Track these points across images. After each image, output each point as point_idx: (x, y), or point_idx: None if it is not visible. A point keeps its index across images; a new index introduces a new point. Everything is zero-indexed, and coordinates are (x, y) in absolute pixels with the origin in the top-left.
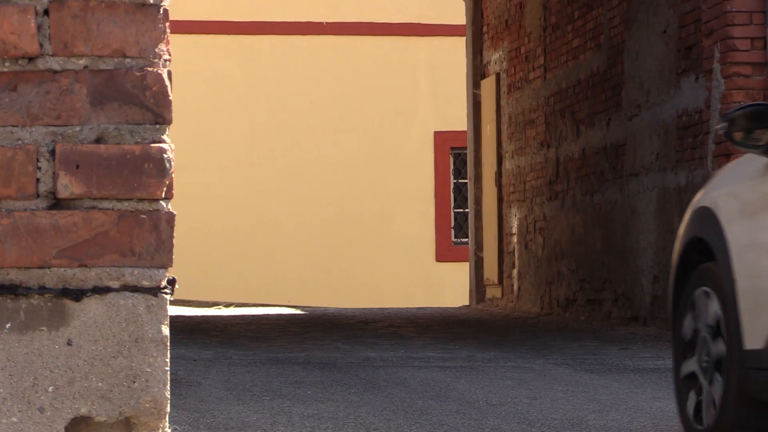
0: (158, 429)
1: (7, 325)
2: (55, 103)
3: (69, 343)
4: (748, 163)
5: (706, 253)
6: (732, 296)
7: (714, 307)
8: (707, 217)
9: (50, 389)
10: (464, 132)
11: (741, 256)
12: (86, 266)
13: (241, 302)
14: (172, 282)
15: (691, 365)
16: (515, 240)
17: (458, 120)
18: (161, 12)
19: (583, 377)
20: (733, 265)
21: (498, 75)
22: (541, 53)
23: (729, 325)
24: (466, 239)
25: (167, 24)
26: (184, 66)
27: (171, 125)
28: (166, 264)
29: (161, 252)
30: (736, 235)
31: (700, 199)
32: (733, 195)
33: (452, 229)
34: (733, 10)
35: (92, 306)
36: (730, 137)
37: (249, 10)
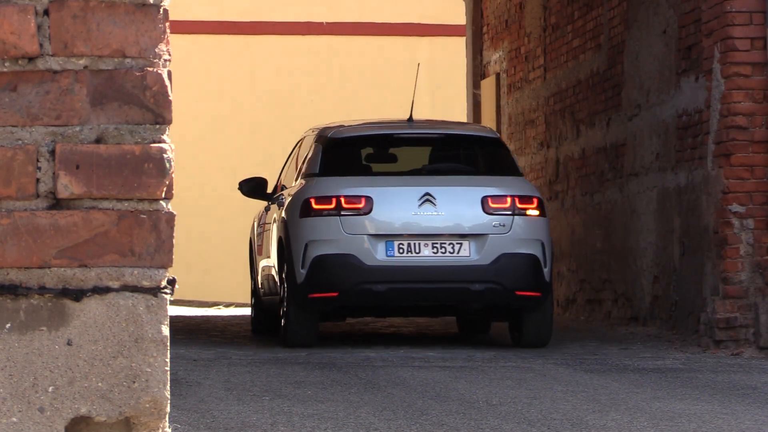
0: (158, 429)
1: (7, 325)
2: (55, 103)
3: (69, 343)
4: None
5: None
6: (256, 267)
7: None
8: (255, 229)
9: (50, 389)
10: None
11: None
12: (86, 266)
13: (241, 302)
14: (172, 282)
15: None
16: None
17: (458, 120)
18: (161, 12)
19: (583, 377)
20: (255, 252)
21: (498, 75)
22: (541, 53)
23: (253, 278)
24: None
25: (167, 24)
26: (184, 66)
27: (171, 125)
28: (166, 264)
29: (161, 252)
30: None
31: (257, 216)
32: (261, 219)
33: None
34: (733, 10)
35: (92, 306)
36: (243, 193)
37: (249, 10)
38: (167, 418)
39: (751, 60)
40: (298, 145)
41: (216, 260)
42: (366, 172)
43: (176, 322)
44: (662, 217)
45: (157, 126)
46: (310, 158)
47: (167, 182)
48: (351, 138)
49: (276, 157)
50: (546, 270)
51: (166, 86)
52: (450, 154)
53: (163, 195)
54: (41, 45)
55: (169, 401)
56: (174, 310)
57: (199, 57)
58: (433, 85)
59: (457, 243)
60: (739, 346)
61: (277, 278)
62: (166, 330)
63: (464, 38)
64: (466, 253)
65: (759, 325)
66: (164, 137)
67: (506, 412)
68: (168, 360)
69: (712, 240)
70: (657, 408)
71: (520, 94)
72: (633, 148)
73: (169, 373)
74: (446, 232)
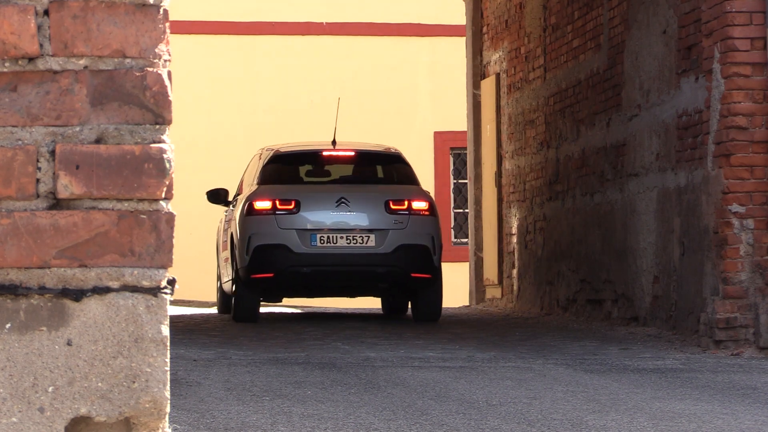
0: (158, 429)
1: (7, 325)
2: (55, 103)
3: (69, 343)
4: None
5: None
6: (219, 259)
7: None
8: (220, 228)
9: (50, 389)
10: (464, 132)
11: (227, 241)
12: (86, 266)
13: None
14: (172, 282)
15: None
16: (515, 240)
17: (458, 120)
18: (161, 12)
19: (583, 377)
20: (219, 244)
21: (498, 75)
22: (541, 53)
23: (218, 268)
24: (466, 239)
25: (167, 24)
26: (184, 66)
27: (171, 125)
28: (166, 264)
29: (161, 252)
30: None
31: (222, 218)
32: (224, 220)
33: (452, 229)
34: (733, 10)
35: (92, 306)
36: (209, 201)
37: (249, 10)
38: (167, 418)
39: (751, 60)
40: (254, 158)
41: (216, 260)
42: (296, 181)
43: (176, 322)
44: (662, 217)
45: (157, 126)
46: (257, 171)
47: (167, 182)
48: (286, 155)
49: None
50: (435, 257)
51: (166, 86)
52: (362, 168)
53: (163, 195)
54: (41, 45)
55: (169, 401)
56: (174, 310)
57: (199, 57)
58: (433, 85)
59: (366, 236)
60: (739, 346)
61: (230, 265)
62: (166, 330)
63: (464, 38)
64: (372, 244)
65: (759, 325)
66: (164, 137)
67: (506, 413)
68: (168, 360)
69: (712, 240)
70: (657, 408)
71: (520, 94)
72: (633, 148)
73: (169, 373)
74: (357, 227)
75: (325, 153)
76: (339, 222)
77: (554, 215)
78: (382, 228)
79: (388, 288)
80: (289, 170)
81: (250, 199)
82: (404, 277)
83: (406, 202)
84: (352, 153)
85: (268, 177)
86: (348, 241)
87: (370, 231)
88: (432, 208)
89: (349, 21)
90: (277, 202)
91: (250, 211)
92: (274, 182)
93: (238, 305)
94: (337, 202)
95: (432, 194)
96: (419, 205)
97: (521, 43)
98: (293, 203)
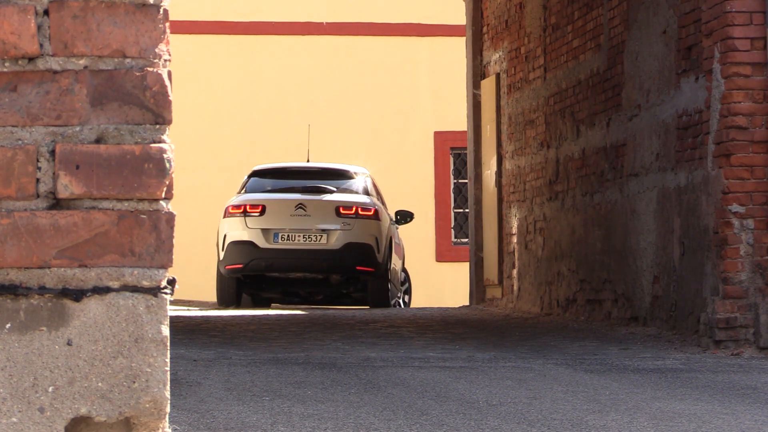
0: (158, 429)
1: (7, 325)
2: (55, 103)
3: (69, 343)
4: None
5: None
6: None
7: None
8: (223, 226)
9: (50, 389)
10: (464, 132)
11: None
12: (86, 266)
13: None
14: (172, 282)
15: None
16: (515, 240)
17: (458, 120)
18: (161, 12)
19: (583, 377)
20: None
21: (498, 75)
22: (541, 53)
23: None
24: (466, 239)
25: (167, 24)
26: (184, 66)
27: (171, 125)
28: (166, 264)
29: (161, 252)
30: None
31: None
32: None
33: (452, 229)
34: (733, 10)
35: (92, 306)
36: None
37: (249, 10)
38: (167, 418)
39: (751, 60)
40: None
41: (216, 261)
42: (266, 191)
43: (176, 322)
44: (662, 217)
45: (157, 126)
46: (241, 184)
47: (167, 182)
48: (263, 171)
49: (276, 156)
50: (378, 254)
51: (166, 86)
52: (320, 181)
53: (163, 195)
54: (41, 45)
55: (169, 401)
56: (174, 311)
57: (199, 57)
58: (433, 85)
59: (319, 235)
60: (739, 346)
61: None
62: (166, 330)
63: (464, 38)
64: (325, 242)
65: (759, 325)
66: (164, 137)
67: (506, 413)
68: (168, 360)
69: (712, 240)
70: (657, 408)
71: (520, 94)
72: (633, 148)
73: (169, 373)
74: (312, 228)
75: (292, 169)
76: (297, 223)
77: (554, 215)
78: (333, 228)
79: (340, 279)
80: (263, 183)
81: (227, 204)
82: (351, 270)
83: (353, 208)
84: (315, 169)
85: (247, 188)
86: (305, 239)
87: (323, 231)
88: (377, 214)
89: (349, 21)
90: (247, 207)
91: (226, 215)
92: (251, 191)
93: (218, 291)
94: (296, 207)
95: (432, 194)
96: (365, 211)
97: (521, 43)
98: (260, 208)
